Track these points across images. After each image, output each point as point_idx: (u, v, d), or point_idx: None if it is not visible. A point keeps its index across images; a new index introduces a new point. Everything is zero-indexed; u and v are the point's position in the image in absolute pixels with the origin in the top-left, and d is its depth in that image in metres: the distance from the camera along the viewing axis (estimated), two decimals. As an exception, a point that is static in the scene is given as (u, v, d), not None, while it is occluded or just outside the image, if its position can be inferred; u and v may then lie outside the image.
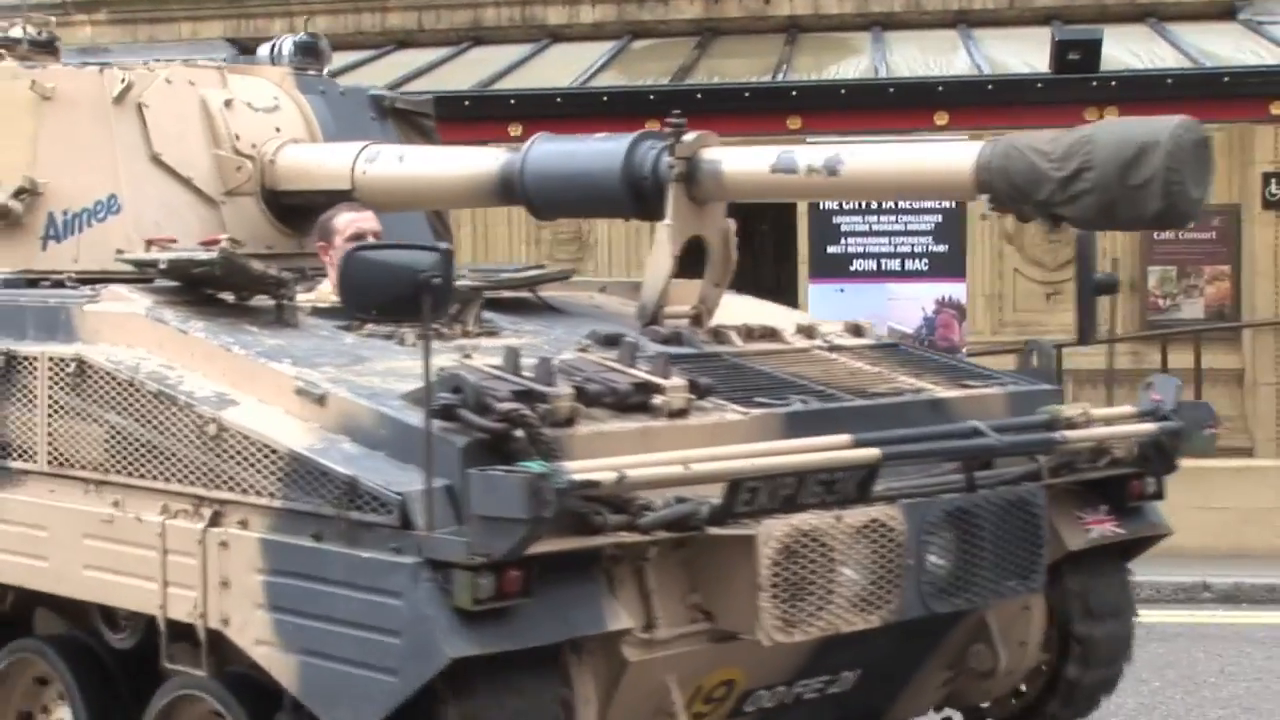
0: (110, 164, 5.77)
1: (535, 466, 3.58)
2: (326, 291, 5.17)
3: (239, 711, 4.36)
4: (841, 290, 11.80)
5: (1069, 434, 4.72)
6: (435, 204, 6.23)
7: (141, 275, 5.08)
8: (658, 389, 4.29)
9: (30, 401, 4.84)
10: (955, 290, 11.90)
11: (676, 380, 4.34)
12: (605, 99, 12.81)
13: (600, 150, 5.38)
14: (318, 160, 6.06)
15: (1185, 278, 14.64)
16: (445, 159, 5.99)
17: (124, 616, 4.82)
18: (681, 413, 4.29)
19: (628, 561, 4.02)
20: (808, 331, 5.50)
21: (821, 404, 4.66)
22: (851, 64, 14.08)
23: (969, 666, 5.11)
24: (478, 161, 5.76)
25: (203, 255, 4.69)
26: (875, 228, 11.72)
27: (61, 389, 4.72)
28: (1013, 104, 11.82)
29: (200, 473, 4.27)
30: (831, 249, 11.87)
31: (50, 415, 4.76)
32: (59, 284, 5.53)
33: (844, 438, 4.31)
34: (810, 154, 4.98)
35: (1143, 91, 11.65)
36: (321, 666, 3.89)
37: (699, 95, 12.62)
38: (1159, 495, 5.26)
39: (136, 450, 4.46)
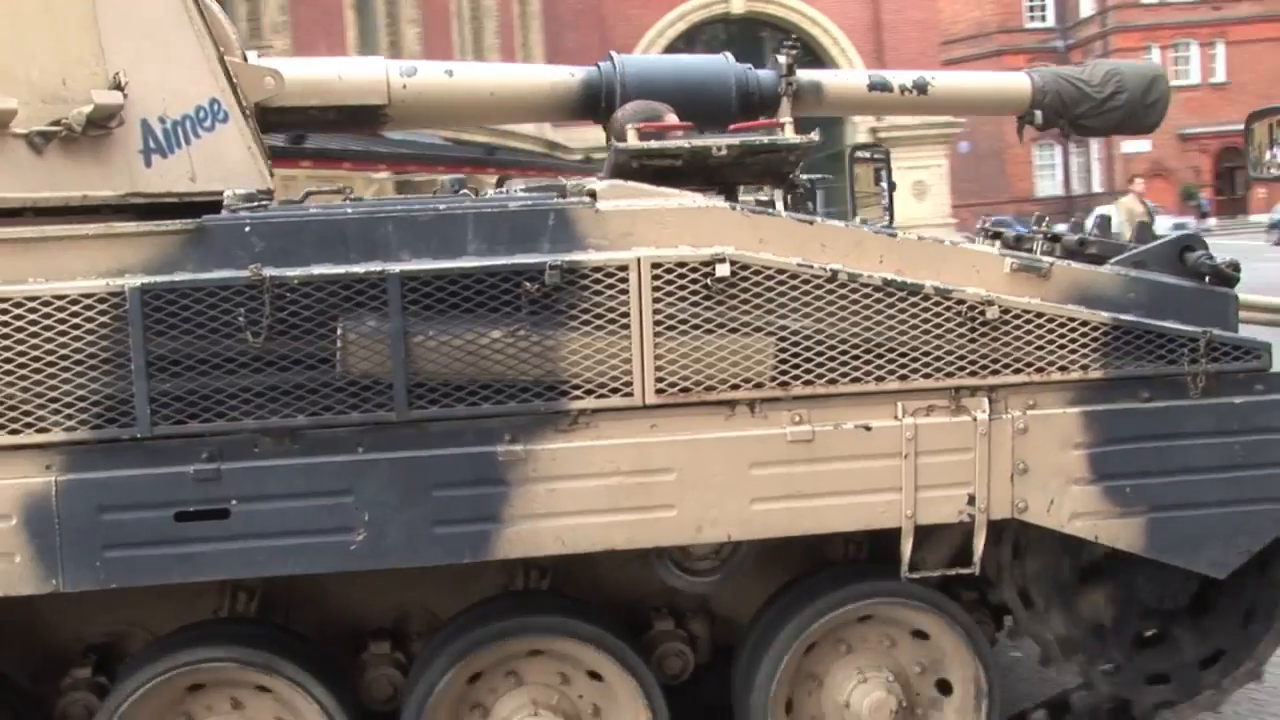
0: (200, 61, 3.72)
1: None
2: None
3: (958, 610, 3.65)
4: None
5: None
6: (490, 119, 4.93)
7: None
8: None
9: (611, 321, 3.26)
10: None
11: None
12: None
13: (710, 66, 4.85)
14: (334, 73, 4.48)
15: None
16: (502, 74, 4.82)
17: (704, 553, 3.57)
18: None
19: None
20: None
21: None
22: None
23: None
24: (548, 75, 4.78)
25: (791, 139, 3.53)
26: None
27: (683, 300, 3.28)
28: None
29: (963, 361, 3.42)
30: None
31: (660, 334, 3.28)
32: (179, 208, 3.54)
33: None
34: (900, 76, 5.07)
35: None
36: (1172, 518, 3.52)
37: None
38: None
39: (839, 353, 3.36)
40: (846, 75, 5.04)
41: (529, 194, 3.44)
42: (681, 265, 3.27)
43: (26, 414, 3.09)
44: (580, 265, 3.23)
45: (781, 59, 4.54)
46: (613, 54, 4.62)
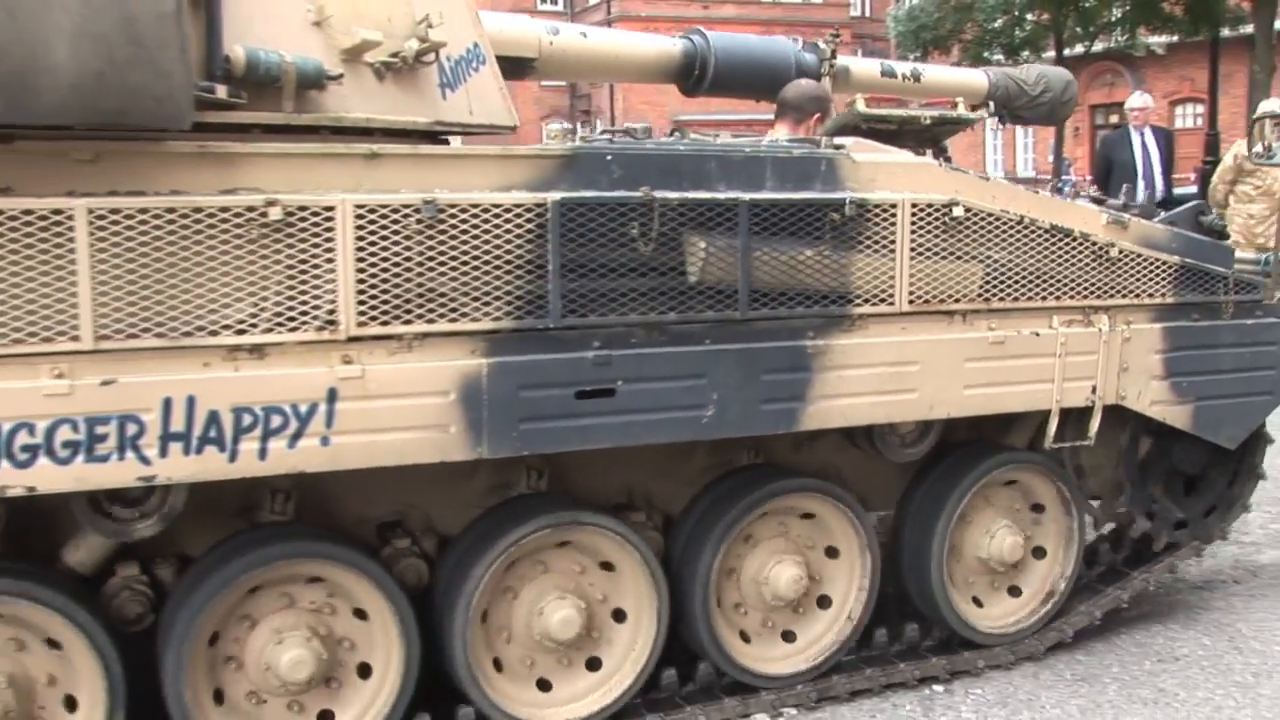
0: (463, 8, 4.17)
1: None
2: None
3: (1063, 473, 4.69)
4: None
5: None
6: (610, 76, 5.48)
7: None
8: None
9: (884, 247, 4.04)
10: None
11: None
12: None
13: (773, 47, 5.72)
14: (498, 28, 5.01)
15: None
16: (622, 39, 5.47)
17: (904, 431, 4.42)
18: None
19: None
20: None
21: None
22: None
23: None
24: (658, 43, 5.51)
25: (971, 115, 4.45)
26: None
27: (928, 233, 4.11)
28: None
29: (1093, 287, 4.44)
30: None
31: (913, 258, 4.09)
32: (433, 138, 4.05)
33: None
34: (901, 66, 6.18)
35: None
36: (1209, 405, 4.73)
37: None
38: None
39: (1020, 278, 4.30)
40: (865, 63, 5.96)
41: (795, 144, 4.13)
42: (930, 206, 4.09)
43: (461, 305, 3.48)
44: (867, 201, 3.98)
45: (823, 45, 5.42)
46: (701, 29, 5.31)
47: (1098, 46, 27.89)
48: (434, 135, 3.94)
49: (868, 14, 47.25)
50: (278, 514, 3.75)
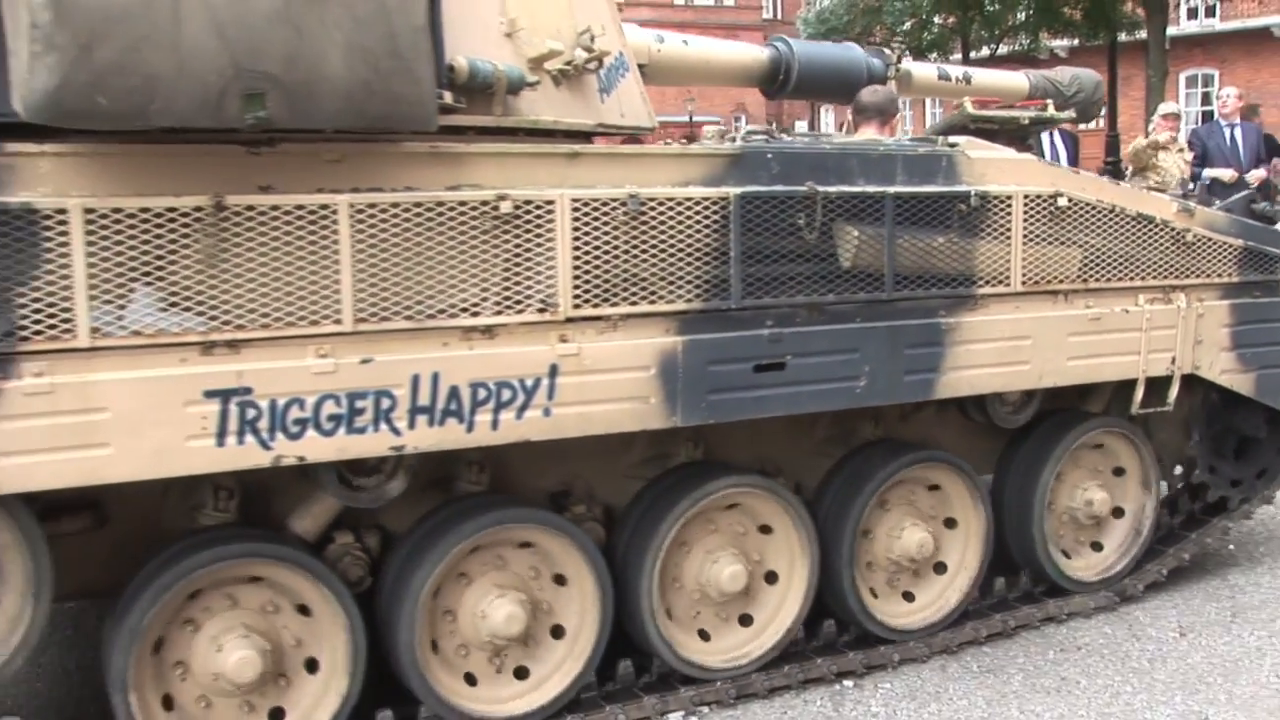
0: (610, 20, 4.55)
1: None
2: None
3: (1141, 436, 5.16)
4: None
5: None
6: (707, 81, 5.81)
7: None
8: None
9: (1001, 234, 4.47)
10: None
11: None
12: None
13: (848, 54, 6.17)
14: None
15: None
16: (719, 47, 5.86)
17: (1012, 401, 4.87)
18: None
19: None
20: None
21: None
22: None
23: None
24: (747, 50, 5.92)
25: (1061, 115, 4.89)
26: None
27: (1036, 221, 4.55)
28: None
29: (1171, 268, 4.91)
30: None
31: (1025, 244, 4.53)
32: (588, 139, 4.45)
33: None
34: (954, 69, 6.66)
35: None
36: (1270, 374, 5.22)
37: None
38: None
39: (1111, 260, 4.76)
40: (924, 67, 6.41)
41: (917, 142, 4.55)
42: (1038, 197, 4.53)
43: (658, 288, 3.85)
44: (988, 193, 4.41)
45: (889, 53, 5.89)
46: (785, 38, 5.74)
47: (1003, 49, 28.99)
48: (589, 136, 4.30)
49: (779, 16, 48.16)
50: (474, 484, 4.09)
